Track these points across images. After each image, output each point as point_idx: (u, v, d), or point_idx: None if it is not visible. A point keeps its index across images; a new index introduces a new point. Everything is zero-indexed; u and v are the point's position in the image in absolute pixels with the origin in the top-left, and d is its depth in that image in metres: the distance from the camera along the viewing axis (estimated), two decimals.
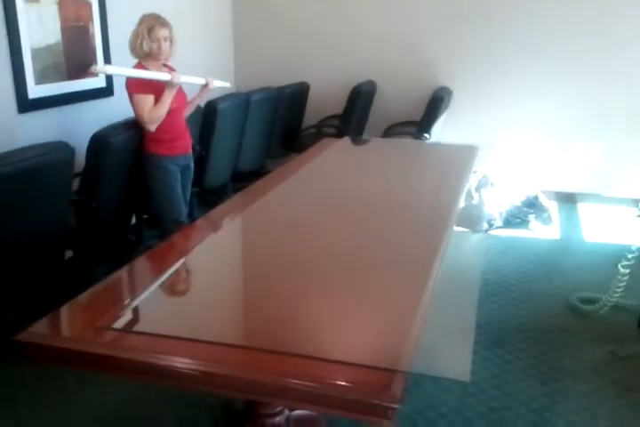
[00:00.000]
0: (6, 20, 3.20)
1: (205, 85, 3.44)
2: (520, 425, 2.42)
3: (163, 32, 3.11)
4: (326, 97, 5.48)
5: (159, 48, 3.13)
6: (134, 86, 3.12)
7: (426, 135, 4.75)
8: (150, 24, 3.08)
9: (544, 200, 4.82)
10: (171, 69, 3.30)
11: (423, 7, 5.20)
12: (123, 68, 3.16)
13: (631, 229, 4.57)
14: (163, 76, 3.10)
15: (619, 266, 3.15)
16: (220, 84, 3.53)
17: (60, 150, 2.62)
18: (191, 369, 1.46)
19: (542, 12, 4.91)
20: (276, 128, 5.00)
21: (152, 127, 3.17)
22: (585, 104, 5.04)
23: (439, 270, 1.98)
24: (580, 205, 5.20)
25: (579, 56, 4.94)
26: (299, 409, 2.08)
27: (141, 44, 3.09)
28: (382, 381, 1.36)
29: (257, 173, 4.64)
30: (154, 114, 3.14)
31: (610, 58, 4.88)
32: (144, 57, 3.16)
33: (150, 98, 3.13)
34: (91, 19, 3.80)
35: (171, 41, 3.18)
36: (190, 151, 3.49)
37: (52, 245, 2.82)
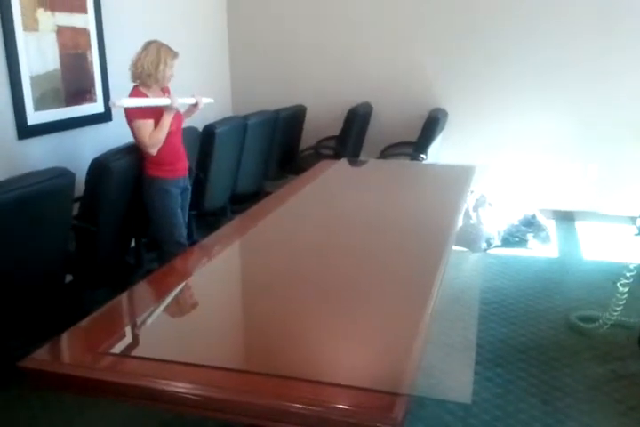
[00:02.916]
0: (6, 47, 3.24)
1: (195, 104, 3.54)
2: None
3: (177, 62, 3.31)
4: (323, 119, 5.52)
5: (171, 75, 3.30)
6: (133, 113, 3.18)
7: (422, 156, 4.78)
8: (172, 54, 3.26)
9: (542, 219, 4.84)
10: (166, 91, 3.39)
11: (418, 30, 5.28)
12: (132, 99, 3.21)
13: (629, 247, 4.58)
14: (164, 101, 3.20)
15: (617, 284, 3.15)
16: (206, 101, 3.63)
17: (61, 176, 2.64)
18: (191, 394, 1.46)
19: (539, 35, 4.98)
20: (274, 150, 5.04)
21: (154, 151, 3.24)
22: (581, 123, 5.08)
23: (439, 291, 1.99)
24: (578, 224, 5.23)
25: (575, 77, 4.99)
26: None
27: (164, 70, 3.22)
28: (384, 404, 1.37)
29: (256, 195, 4.67)
30: (155, 138, 3.20)
31: (606, 79, 4.93)
32: (152, 82, 3.23)
33: (150, 122, 3.19)
34: (89, 46, 3.86)
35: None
36: (187, 173, 3.53)
37: (52, 270, 2.83)
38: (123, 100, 3.10)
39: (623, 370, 2.94)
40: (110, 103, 2.98)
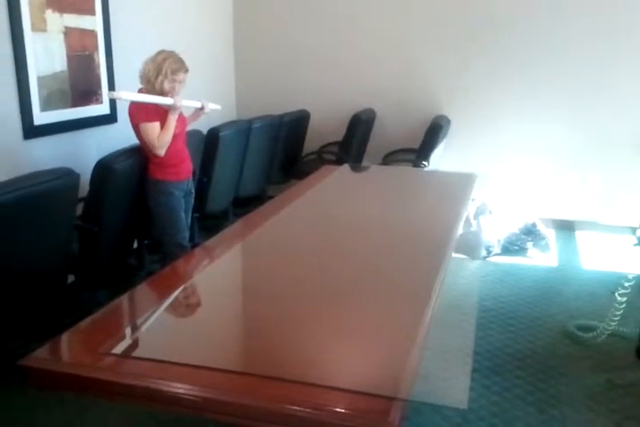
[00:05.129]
0: (14, 48, 3.26)
1: (201, 108, 3.55)
2: None
3: (184, 77, 3.25)
4: (326, 124, 5.54)
5: (173, 89, 3.23)
6: (140, 116, 3.19)
7: (424, 163, 4.80)
8: (177, 67, 3.19)
9: (542, 228, 4.85)
10: None
11: (422, 37, 5.30)
12: (133, 93, 3.23)
13: (628, 258, 4.59)
14: (167, 100, 3.20)
15: (616, 294, 3.16)
16: (213, 107, 3.64)
17: (66, 176, 2.65)
18: (191, 395, 1.48)
19: (541, 44, 5.00)
20: (277, 155, 5.06)
21: (163, 152, 3.24)
22: (583, 133, 5.10)
23: (438, 297, 2.00)
24: (578, 233, 5.24)
25: (577, 87, 5.01)
26: None
27: (162, 81, 3.18)
28: (381, 408, 1.38)
29: (258, 199, 4.68)
30: (163, 139, 3.21)
31: (609, 89, 4.95)
32: (150, 89, 3.21)
33: (157, 125, 3.20)
34: (96, 48, 3.88)
35: (183, 83, 3.29)
36: (191, 176, 3.55)
37: (54, 270, 2.83)
38: (121, 93, 3.10)
39: (620, 380, 2.95)
40: (108, 93, 2.91)
